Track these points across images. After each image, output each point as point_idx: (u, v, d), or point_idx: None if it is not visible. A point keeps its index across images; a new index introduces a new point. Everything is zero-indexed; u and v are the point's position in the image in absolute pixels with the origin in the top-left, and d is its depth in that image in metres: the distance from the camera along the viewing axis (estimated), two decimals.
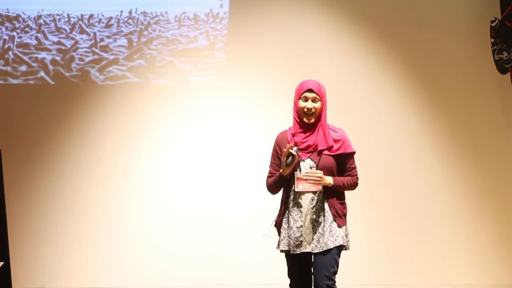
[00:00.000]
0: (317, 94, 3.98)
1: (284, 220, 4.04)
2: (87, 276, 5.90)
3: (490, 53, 6.07)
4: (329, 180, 3.94)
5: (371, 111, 6.11)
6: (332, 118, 4.14)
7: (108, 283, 5.91)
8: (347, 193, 4.11)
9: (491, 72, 6.13)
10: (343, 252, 4.06)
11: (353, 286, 5.88)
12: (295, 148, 3.95)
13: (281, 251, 4.06)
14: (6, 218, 5.52)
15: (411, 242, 6.10)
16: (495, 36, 6.03)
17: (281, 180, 4.03)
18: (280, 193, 4.13)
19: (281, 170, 3.99)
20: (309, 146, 3.99)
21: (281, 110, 6.06)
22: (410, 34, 6.17)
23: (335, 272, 3.97)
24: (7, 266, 5.46)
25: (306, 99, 4.00)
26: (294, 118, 4.06)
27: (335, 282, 3.97)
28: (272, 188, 4.11)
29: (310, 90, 3.99)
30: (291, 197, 4.01)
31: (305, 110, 3.99)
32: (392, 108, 6.16)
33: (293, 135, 4.04)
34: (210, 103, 6.04)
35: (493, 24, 6.02)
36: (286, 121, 5.95)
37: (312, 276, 4.01)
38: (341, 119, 4.69)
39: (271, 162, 4.13)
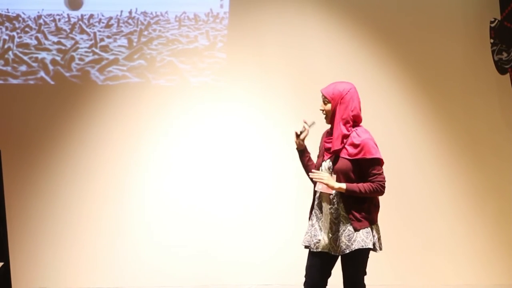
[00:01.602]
0: (325, 97, 4.13)
1: (311, 217, 4.20)
2: (87, 276, 5.90)
3: (490, 54, 6.07)
4: (339, 185, 4.00)
5: (370, 112, 6.08)
6: None
7: (108, 283, 5.91)
8: None
9: (491, 73, 6.13)
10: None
11: None
12: (310, 122, 4.20)
13: (305, 247, 4.22)
14: (6, 218, 5.52)
15: (410, 242, 6.11)
16: (494, 36, 6.04)
17: (299, 156, 4.31)
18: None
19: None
20: (330, 148, 4.12)
21: (280, 110, 6.07)
22: (409, 35, 6.17)
23: (356, 275, 4.10)
24: (7, 267, 5.46)
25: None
26: None
27: (357, 285, 4.10)
28: None
29: (322, 93, 4.16)
30: (317, 195, 4.17)
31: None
32: (391, 108, 6.17)
33: (326, 134, 4.23)
34: (210, 103, 6.04)
35: (492, 25, 6.03)
36: (285, 121, 6.00)
37: (327, 278, 4.22)
38: None
39: None
